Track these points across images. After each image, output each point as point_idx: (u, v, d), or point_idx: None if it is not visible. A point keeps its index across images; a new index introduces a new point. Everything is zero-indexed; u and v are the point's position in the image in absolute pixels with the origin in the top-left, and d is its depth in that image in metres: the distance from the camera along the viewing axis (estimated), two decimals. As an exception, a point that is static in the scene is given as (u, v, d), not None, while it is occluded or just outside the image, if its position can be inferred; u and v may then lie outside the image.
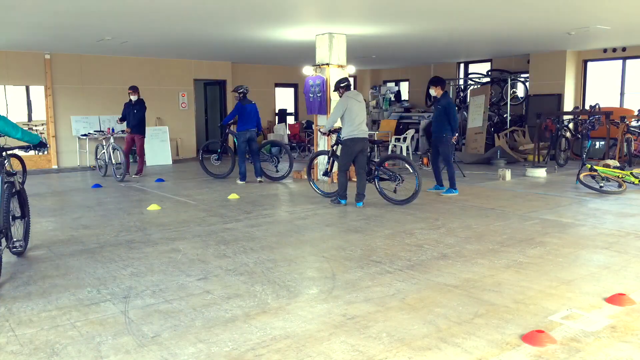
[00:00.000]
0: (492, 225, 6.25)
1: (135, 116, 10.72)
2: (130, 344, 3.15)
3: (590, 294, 3.94)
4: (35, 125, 13.22)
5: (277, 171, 10.43)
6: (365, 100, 18.25)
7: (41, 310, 3.71)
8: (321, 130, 8.07)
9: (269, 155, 10.93)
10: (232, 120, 10.38)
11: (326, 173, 8.42)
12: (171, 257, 5.01)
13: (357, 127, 7.33)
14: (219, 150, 10.62)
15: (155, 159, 13.51)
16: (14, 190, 4.88)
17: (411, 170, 7.44)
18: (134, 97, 10.75)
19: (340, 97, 7.59)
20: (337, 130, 8.04)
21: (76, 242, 5.65)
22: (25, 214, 5.21)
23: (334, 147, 8.18)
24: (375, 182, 7.66)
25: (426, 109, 16.32)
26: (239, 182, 9.87)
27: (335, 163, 8.12)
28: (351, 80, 8.99)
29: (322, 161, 9.76)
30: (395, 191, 7.49)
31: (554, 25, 9.69)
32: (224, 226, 6.34)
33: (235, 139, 10.31)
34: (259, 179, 10.05)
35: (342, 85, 7.64)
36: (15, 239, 4.74)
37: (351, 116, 7.32)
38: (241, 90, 9.84)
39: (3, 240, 4.53)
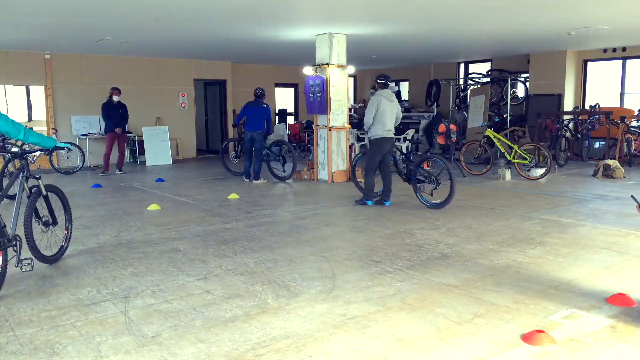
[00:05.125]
0: (492, 225, 6.26)
1: (121, 116, 11.24)
2: (130, 344, 3.15)
3: (590, 294, 3.94)
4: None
5: (284, 171, 10.51)
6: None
7: (41, 310, 3.71)
8: (364, 129, 8.02)
9: (273, 155, 10.98)
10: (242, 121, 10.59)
11: None
12: (171, 257, 5.01)
13: (385, 127, 7.27)
14: (235, 149, 11.04)
15: (156, 159, 13.50)
16: (41, 195, 4.71)
17: (447, 172, 7.20)
18: (116, 98, 11.14)
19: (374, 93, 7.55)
20: None
21: (76, 242, 5.64)
22: (56, 221, 4.97)
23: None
24: (412, 184, 7.50)
25: (426, 109, 16.31)
26: (254, 181, 9.94)
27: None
28: (351, 80, 8.95)
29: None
30: (432, 194, 7.33)
31: (554, 25, 9.69)
32: (224, 226, 6.34)
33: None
34: (246, 179, 10.08)
35: (378, 81, 7.51)
36: (24, 257, 4.19)
37: (380, 116, 7.25)
38: (259, 92, 10.07)
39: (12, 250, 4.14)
